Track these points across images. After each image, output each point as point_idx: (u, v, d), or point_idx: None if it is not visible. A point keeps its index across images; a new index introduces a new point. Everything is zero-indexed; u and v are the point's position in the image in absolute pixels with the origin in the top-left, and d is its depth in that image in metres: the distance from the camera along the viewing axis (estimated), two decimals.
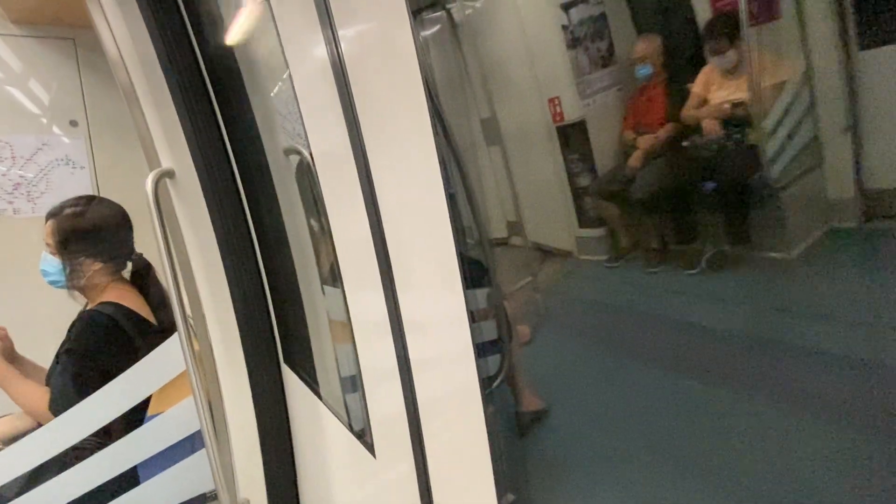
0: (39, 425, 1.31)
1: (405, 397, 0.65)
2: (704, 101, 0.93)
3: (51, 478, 1.25)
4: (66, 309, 1.51)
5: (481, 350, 0.72)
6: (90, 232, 1.40)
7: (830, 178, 0.66)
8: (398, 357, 0.64)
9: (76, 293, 1.45)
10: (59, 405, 1.26)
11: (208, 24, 1.10)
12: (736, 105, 0.93)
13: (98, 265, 1.41)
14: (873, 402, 0.53)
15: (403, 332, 0.64)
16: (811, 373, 0.60)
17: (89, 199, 1.47)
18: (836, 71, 0.63)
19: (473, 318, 0.62)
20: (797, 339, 0.64)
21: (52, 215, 1.41)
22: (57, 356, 1.39)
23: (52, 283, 1.42)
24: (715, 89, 0.98)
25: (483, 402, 0.61)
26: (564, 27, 0.92)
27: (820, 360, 0.59)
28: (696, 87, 0.95)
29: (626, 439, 0.76)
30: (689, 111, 0.86)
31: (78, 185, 2.32)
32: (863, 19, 0.58)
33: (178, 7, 1.09)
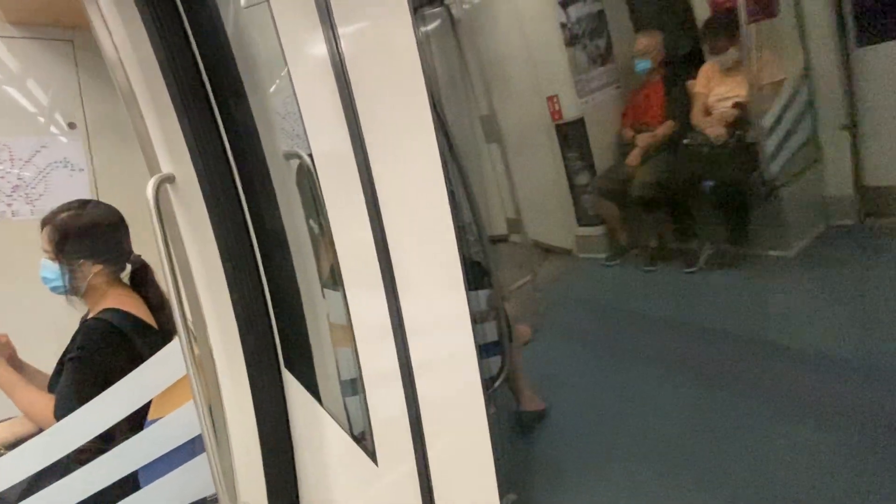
0: (40, 430, 1.30)
1: (407, 401, 0.64)
2: (707, 100, 0.93)
3: (52, 483, 1.24)
4: (66, 312, 1.50)
5: (482, 351, 0.71)
6: (86, 233, 1.41)
7: (829, 176, 0.66)
8: (400, 360, 0.64)
9: (74, 300, 1.45)
10: (64, 412, 1.26)
11: (207, 26, 1.10)
12: (736, 103, 0.93)
13: (97, 267, 1.41)
14: (871, 399, 0.53)
15: (405, 335, 0.64)
16: (809, 371, 0.60)
17: (82, 203, 1.47)
18: (834, 68, 0.63)
19: (475, 319, 0.61)
20: (796, 338, 0.63)
21: (46, 221, 1.42)
22: (60, 363, 1.39)
23: (54, 289, 1.42)
24: (715, 86, 0.98)
25: (486, 404, 0.61)
26: (563, 24, 0.92)
27: (818, 359, 0.59)
28: (699, 87, 0.95)
29: (626, 438, 0.76)
30: (698, 117, 0.86)
31: (77, 187, 2.32)
32: (860, 16, 0.58)
33: (178, 8, 1.09)
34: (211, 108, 1.10)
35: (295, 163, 1.03)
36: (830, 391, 0.59)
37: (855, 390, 0.57)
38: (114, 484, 1.25)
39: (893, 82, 0.58)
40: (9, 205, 2.24)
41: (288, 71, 0.78)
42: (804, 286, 0.67)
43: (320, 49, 0.64)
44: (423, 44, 0.57)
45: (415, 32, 0.56)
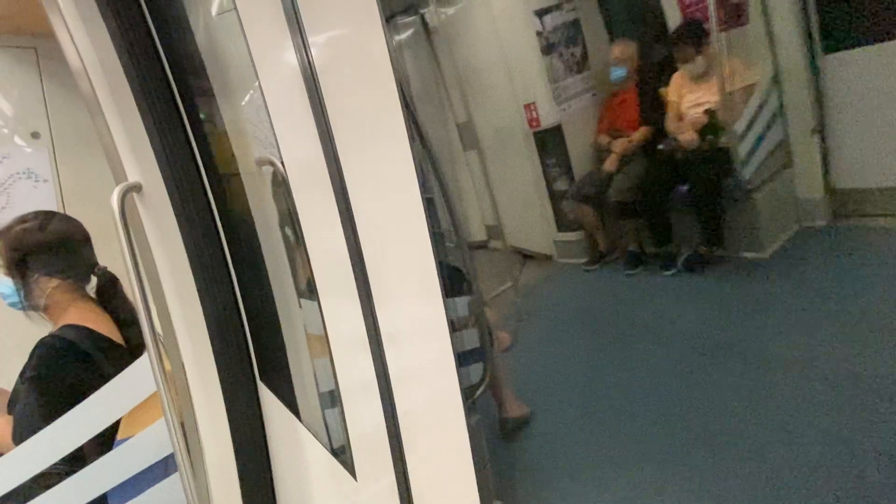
0: (0, 453, 1.24)
1: (385, 414, 0.63)
2: (679, 107, 0.94)
3: None
4: (31, 328, 1.44)
5: (462, 359, 0.70)
6: (43, 247, 1.34)
7: (800, 180, 0.67)
8: (377, 371, 0.62)
9: (35, 315, 1.39)
10: (22, 435, 1.20)
11: (175, 32, 1.07)
12: (707, 110, 0.94)
13: (55, 282, 1.35)
14: (845, 394, 0.54)
15: (382, 346, 0.62)
16: (786, 368, 0.60)
17: (39, 214, 1.41)
18: (803, 74, 0.64)
19: (454, 326, 0.60)
20: (772, 337, 0.64)
21: (0, 235, 1.35)
22: (19, 381, 1.33)
23: (11, 305, 1.36)
24: (686, 93, 0.99)
25: (466, 412, 0.59)
26: (539, 33, 0.92)
27: (794, 357, 0.59)
28: (671, 95, 0.95)
29: (610, 440, 0.75)
30: (671, 123, 0.87)
31: (41, 199, 2.24)
32: (826, 25, 0.59)
33: (143, 14, 1.06)
34: (179, 115, 1.07)
35: (268, 170, 1.00)
36: (806, 387, 0.59)
37: (829, 386, 0.58)
38: None
39: (858, 88, 0.59)
40: None
41: (258, 80, 0.77)
42: (779, 286, 0.68)
43: (290, 57, 0.63)
44: (396, 53, 0.56)
45: (387, 41, 0.55)
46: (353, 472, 0.76)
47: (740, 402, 0.63)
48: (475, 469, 0.59)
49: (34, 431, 1.18)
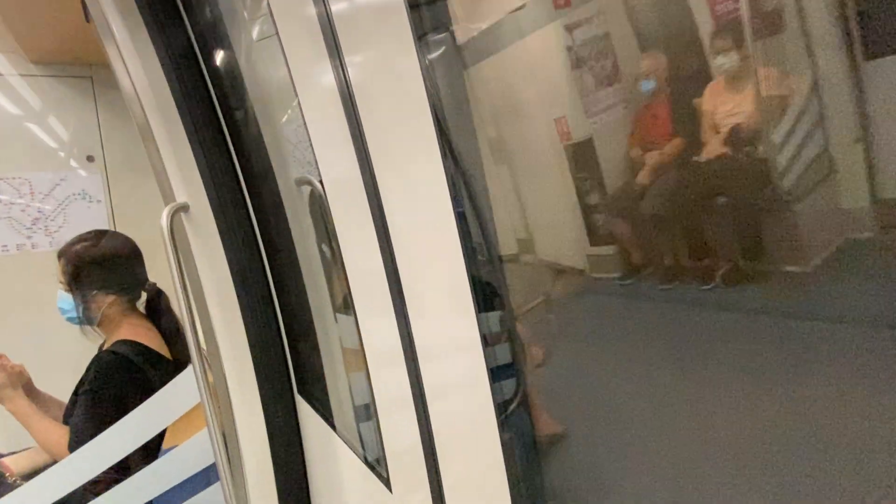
0: (56, 461, 1.31)
1: (420, 427, 0.64)
2: (714, 117, 0.93)
3: None
4: (84, 343, 1.52)
5: (495, 374, 0.70)
6: (99, 265, 1.43)
7: (844, 190, 0.65)
8: (412, 385, 0.64)
9: (89, 330, 1.47)
10: (78, 445, 1.26)
11: (220, 59, 1.13)
12: (743, 120, 0.92)
13: (111, 298, 1.42)
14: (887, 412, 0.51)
15: (417, 360, 0.63)
16: (835, 392, 0.58)
17: (97, 233, 1.49)
18: (843, 82, 0.62)
19: (487, 341, 0.61)
20: (817, 354, 0.62)
21: (61, 253, 1.44)
22: (75, 394, 1.40)
23: (69, 320, 1.44)
24: (721, 103, 0.97)
25: (499, 429, 0.59)
26: (569, 48, 0.92)
27: (843, 376, 0.57)
28: (705, 105, 0.95)
29: (648, 459, 0.73)
30: (706, 134, 0.87)
31: (94, 218, 2.37)
32: (865, 31, 0.58)
33: (191, 44, 1.12)
34: (224, 139, 1.12)
35: (306, 189, 1.04)
36: (857, 411, 0.57)
37: (876, 408, 0.55)
38: None
39: None
40: (28, 237, 2.30)
41: (298, 100, 0.80)
42: (823, 300, 0.66)
43: (328, 78, 0.66)
44: (427, 70, 0.58)
45: (419, 58, 0.57)
46: (388, 485, 0.77)
47: (782, 422, 0.61)
48: (509, 486, 0.59)
49: (89, 441, 1.24)
